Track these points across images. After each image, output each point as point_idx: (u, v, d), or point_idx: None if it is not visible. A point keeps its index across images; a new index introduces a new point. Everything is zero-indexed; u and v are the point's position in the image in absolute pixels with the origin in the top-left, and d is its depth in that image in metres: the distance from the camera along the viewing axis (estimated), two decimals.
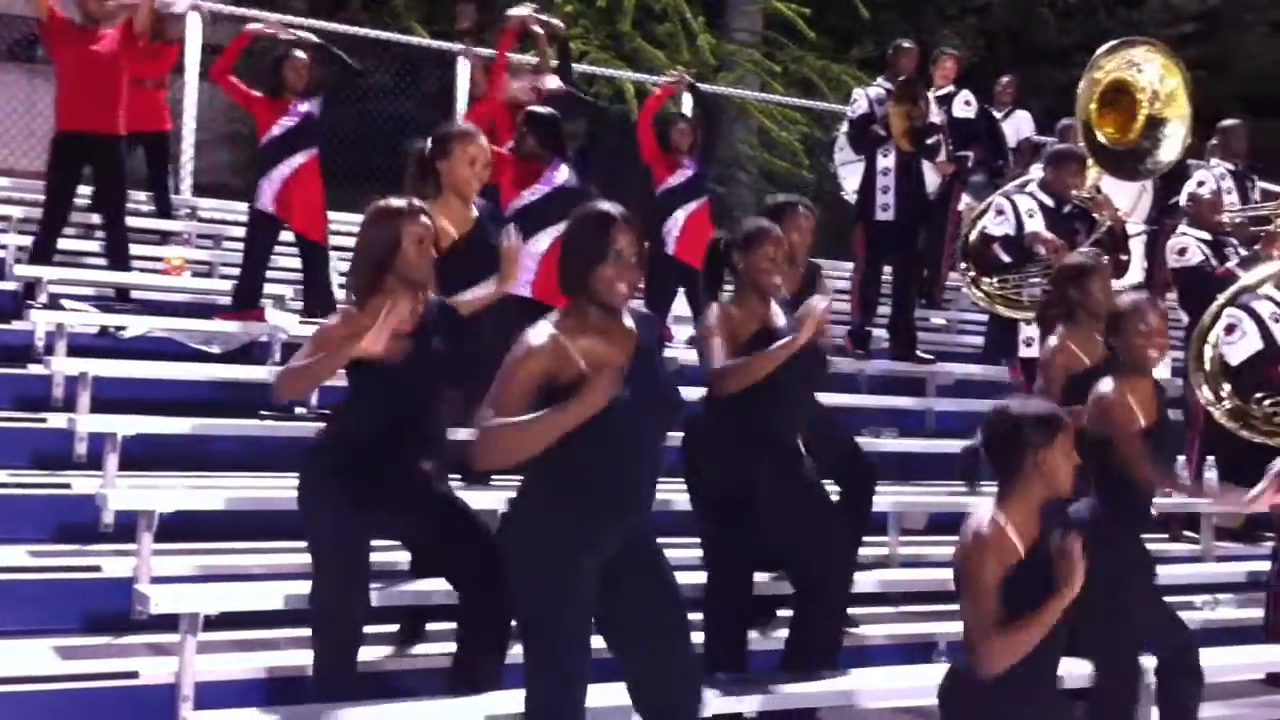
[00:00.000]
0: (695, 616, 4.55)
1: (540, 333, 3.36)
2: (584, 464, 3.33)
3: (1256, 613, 5.87)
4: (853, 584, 4.85)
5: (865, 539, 6.39)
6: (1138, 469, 4.29)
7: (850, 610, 5.64)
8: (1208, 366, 5.94)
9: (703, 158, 8.43)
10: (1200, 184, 8.25)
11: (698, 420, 4.51)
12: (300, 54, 7.52)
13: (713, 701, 4.20)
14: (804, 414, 4.67)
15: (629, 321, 3.48)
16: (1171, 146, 7.48)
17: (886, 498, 6.65)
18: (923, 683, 4.79)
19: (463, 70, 10.28)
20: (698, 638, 4.46)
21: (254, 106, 7.52)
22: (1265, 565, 5.78)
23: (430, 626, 4.82)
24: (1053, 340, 5.10)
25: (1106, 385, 4.45)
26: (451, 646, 4.23)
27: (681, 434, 4.56)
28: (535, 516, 3.44)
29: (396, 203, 4.11)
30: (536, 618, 3.40)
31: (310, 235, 7.57)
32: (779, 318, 4.48)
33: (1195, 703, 4.54)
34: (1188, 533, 7.09)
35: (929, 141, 8.65)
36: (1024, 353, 7.21)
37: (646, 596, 3.52)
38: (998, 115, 10.39)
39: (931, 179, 9.20)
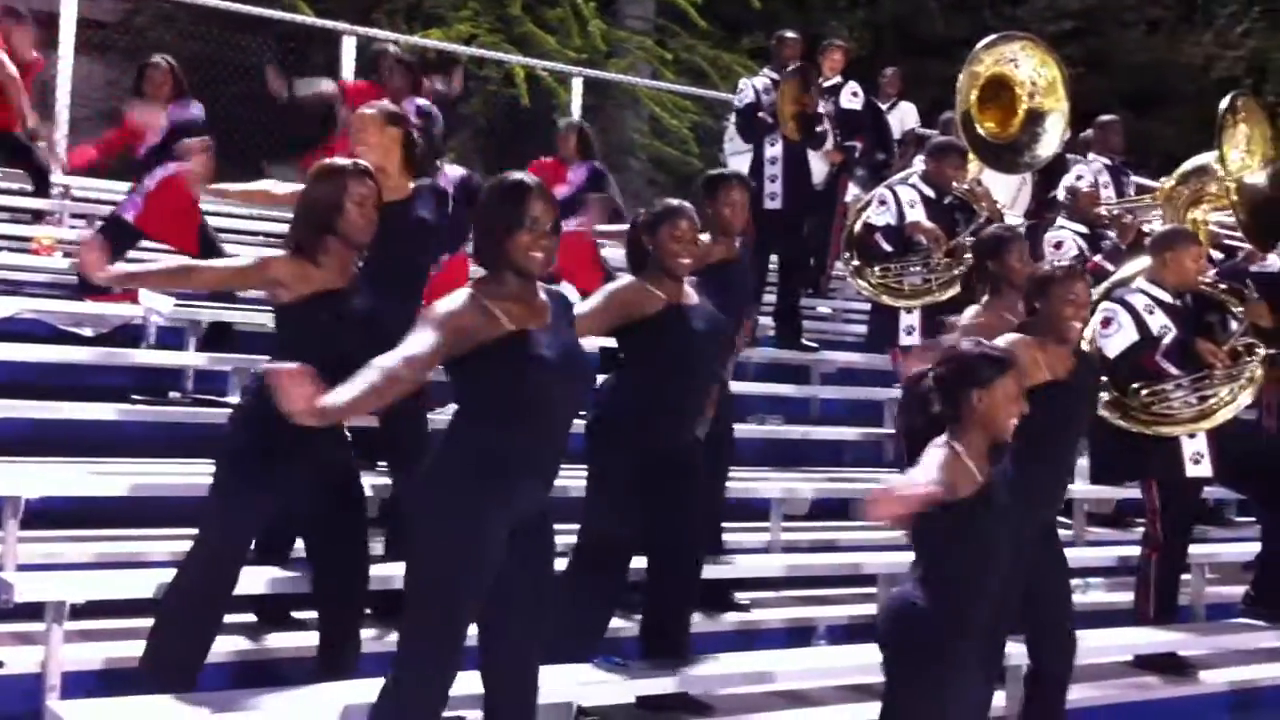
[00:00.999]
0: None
1: (460, 293, 3.42)
2: (499, 433, 3.35)
3: (1126, 596, 6.01)
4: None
5: (748, 525, 6.52)
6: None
7: (737, 595, 5.76)
8: None
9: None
10: (1078, 178, 8.46)
11: (600, 400, 4.58)
12: (159, 60, 7.29)
13: (586, 689, 4.23)
14: (704, 393, 4.70)
15: (542, 295, 3.53)
16: (1050, 141, 7.65)
17: (770, 484, 6.74)
18: (802, 666, 4.89)
19: (348, 48, 10.09)
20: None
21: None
22: (1135, 550, 5.91)
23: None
24: (973, 309, 5.26)
25: (1013, 339, 4.46)
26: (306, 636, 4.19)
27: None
28: (445, 485, 3.40)
29: (342, 162, 4.13)
30: (434, 588, 3.37)
31: (182, 248, 7.26)
32: (690, 296, 4.53)
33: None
34: (1061, 519, 7.24)
35: (817, 130, 8.72)
36: (905, 340, 7.29)
37: (527, 576, 3.50)
38: (883, 107, 10.49)
39: (819, 169, 9.28)
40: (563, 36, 13.74)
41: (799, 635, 5.58)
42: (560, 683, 3.99)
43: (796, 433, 7.83)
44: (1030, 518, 4.28)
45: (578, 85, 11.23)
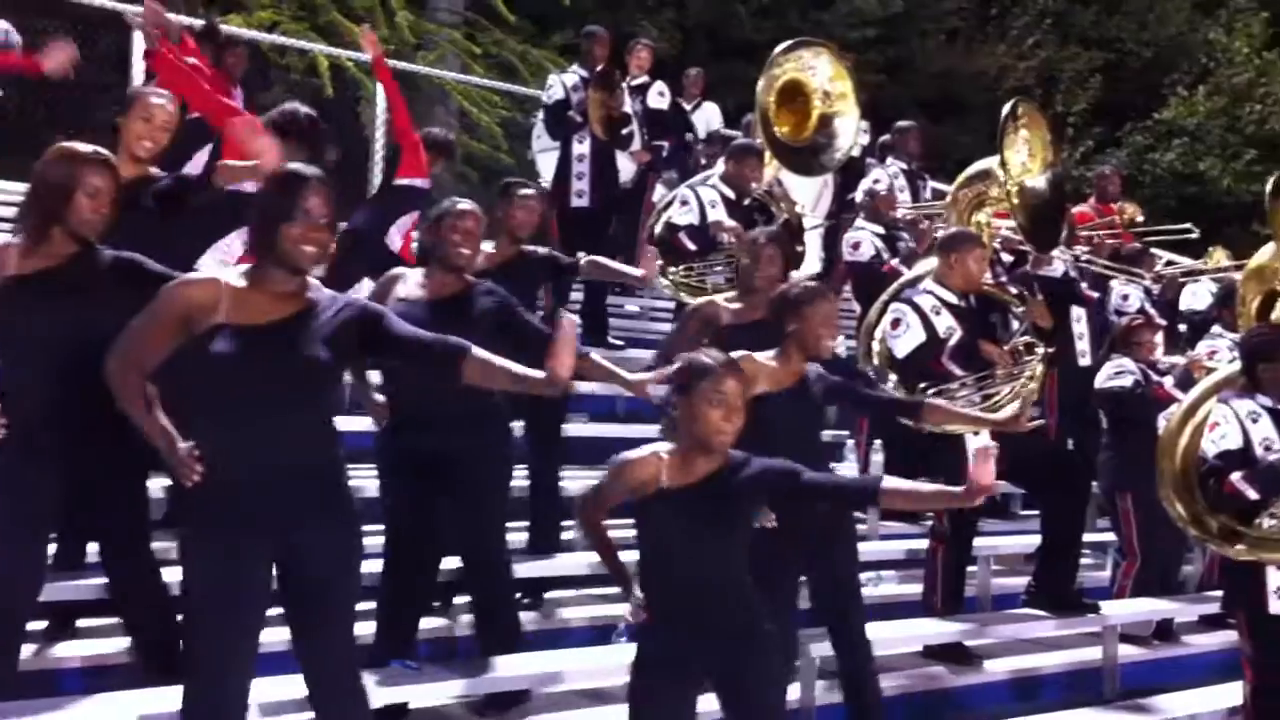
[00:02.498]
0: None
1: (207, 274, 3.36)
2: (214, 440, 3.25)
3: (916, 588, 6.21)
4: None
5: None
6: None
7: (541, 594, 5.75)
8: (876, 360, 6.25)
9: None
10: (876, 181, 8.71)
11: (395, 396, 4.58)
12: None
13: (379, 691, 4.16)
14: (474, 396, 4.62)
15: (316, 294, 3.41)
16: (841, 145, 7.84)
17: (575, 483, 6.73)
18: (606, 664, 4.89)
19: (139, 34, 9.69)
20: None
21: None
22: (924, 543, 6.10)
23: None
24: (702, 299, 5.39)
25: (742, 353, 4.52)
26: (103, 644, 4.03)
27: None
28: (188, 499, 3.31)
29: (81, 148, 3.85)
30: (190, 605, 3.30)
31: None
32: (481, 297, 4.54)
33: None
34: (856, 514, 7.42)
35: (624, 131, 8.75)
36: None
37: (310, 589, 3.39)
38: (687, 108, 10.62)
39: (627, 168, 9.33)
40: (369, 27, 13.44)
41: (602, 633, 5.59)
42: None
43: (602, 431, 7.85)
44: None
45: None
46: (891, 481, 3.79)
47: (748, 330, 5.18)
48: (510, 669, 4.60)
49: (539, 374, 3.35)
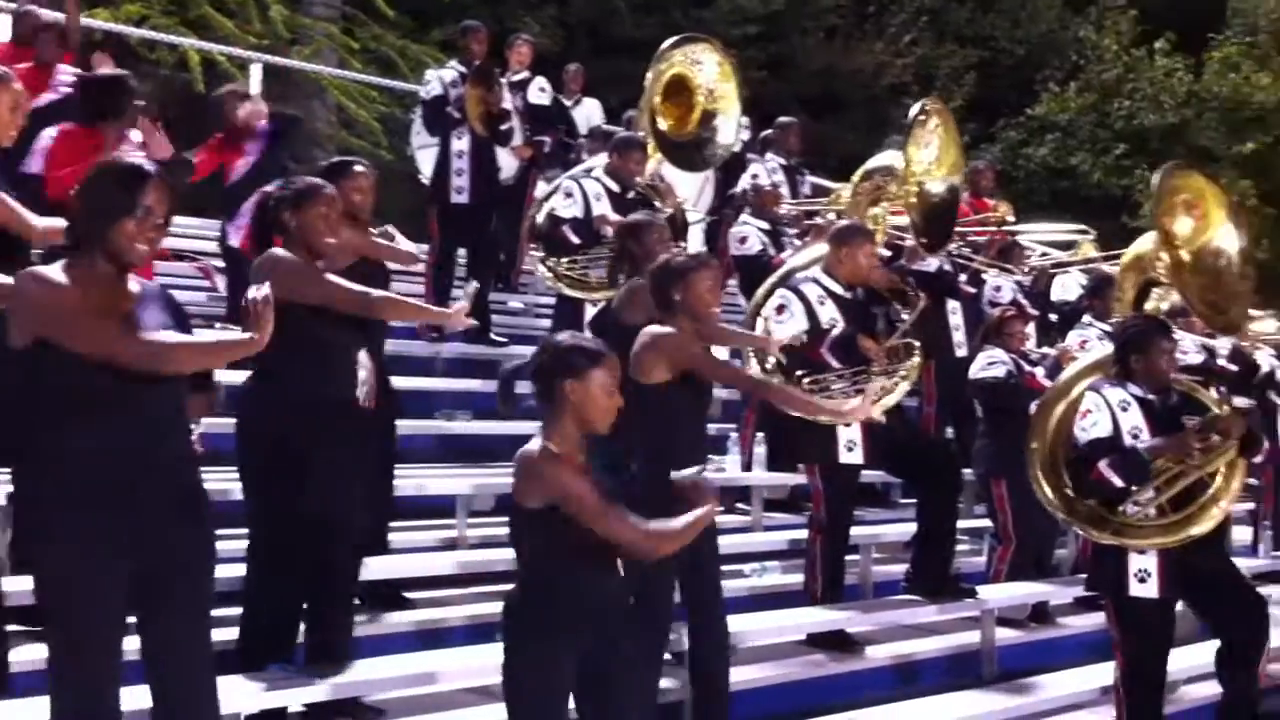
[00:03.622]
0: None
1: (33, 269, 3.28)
2: (71, 436, 3.16)
3: (799, 577, 6.27)
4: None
5: (435, 522, 6.46)
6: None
7: (426, 593, 5.69)
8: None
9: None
10: (755, 176, 8.79)
11: (248, 391, 4.44)
12: None
13: (261, 695, 4.08)
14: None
15: (136, 286, 3.33)
16: (725, 139, 7.89)
17: (458, 480, 6.70)
18: (492, 662, 4.85)
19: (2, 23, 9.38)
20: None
21: None
22: (806, 533, 6.16)
23: None
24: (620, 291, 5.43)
25: (665, 331, 4.60)
26: None
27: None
28: (40, 507, 3.21)
29: None
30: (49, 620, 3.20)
31: None
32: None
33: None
34: (740, 504, 7.49)
35: (503, 128, 8.69)
36: (588, 333, 7.36)
37: (165, 599, 3.29)
38: (568, 103, 10.60)
39: (509, 163, 9.27)
40: (242, 21, 13.22)
41: (483, 632, 5.54)
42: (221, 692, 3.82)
43: (485, 428, 7.81)
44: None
45: (256, 72, 10.81)
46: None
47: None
48: (390, 670, 4.55)
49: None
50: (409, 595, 5.69)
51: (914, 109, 6.65)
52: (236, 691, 4.01)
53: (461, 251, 8.86)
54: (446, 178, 8.48)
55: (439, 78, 8.78)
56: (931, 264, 7.90)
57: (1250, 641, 5.19)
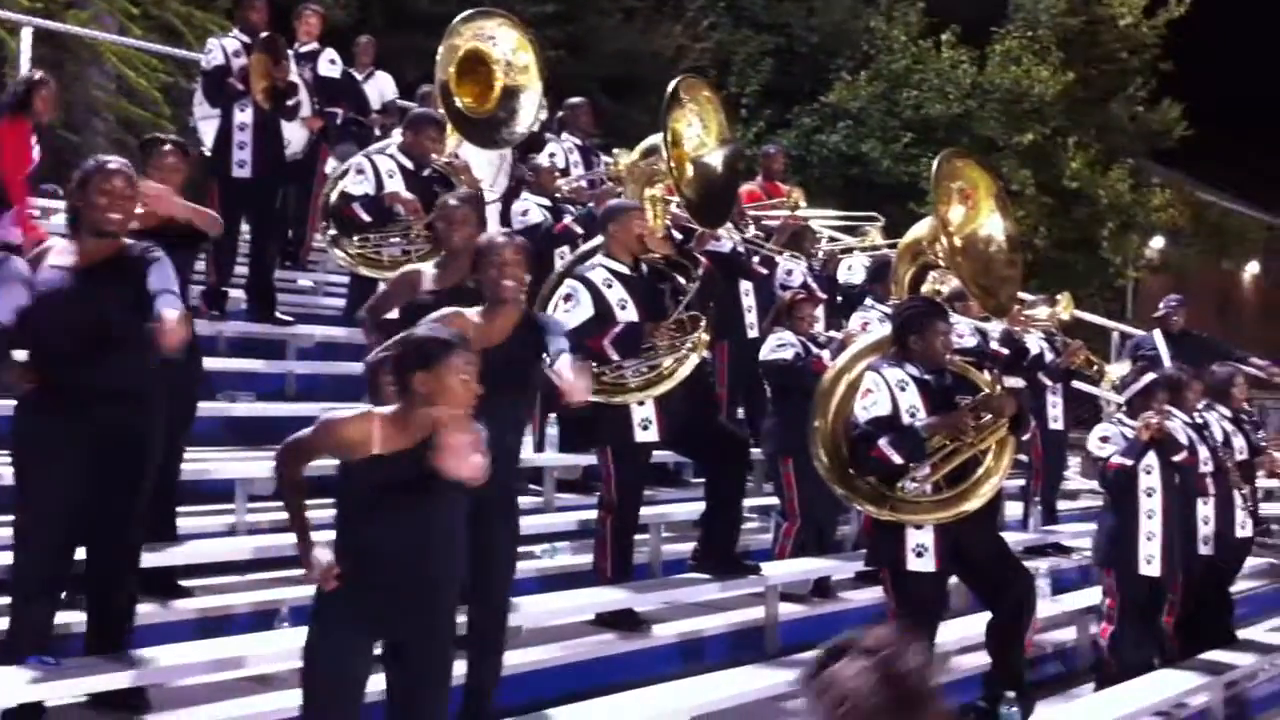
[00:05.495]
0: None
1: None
2: None
3: (589, 558, 6.28)
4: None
5: (213, 507, 6.26)
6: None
7: (200, 581, 5.51)
8: None
9: None
10: (552, 155, 8.77)
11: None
12: None
13: (21, 688, 3.91)
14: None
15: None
16: (524, 118, 7.81)
17: (238, 464, 6.50)
18: (264, 650, 4.73)
19: None
20: None
21: None
22: (595, 513, 6.17)
23: None
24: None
25: (447, 312, 4.55)
26: None
27: None
28: None
29: None
30: None
31: None
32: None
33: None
34: (533, 485, 7.47)
35: (289, 102, 8.42)
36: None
37: None
38: (359, 77, 10.35)
39: (298, 137, 9.02)
40: None
41: (264, 618, 5.40)
42: None
43: (270, 410, 7.60)
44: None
45: (27, 35, 10.26)
46: None
47: (451, 295, 5.11)
48: (171, 658, 4.41)
49: None
50: (185, 584, 5.49)
51: (670, 87, 6.68)
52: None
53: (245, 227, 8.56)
54: (228, 150, 8.18)
55: (221, 46, 8.44)
56: (725, 245, 8.01)
57: (1017, 614, 5.41)
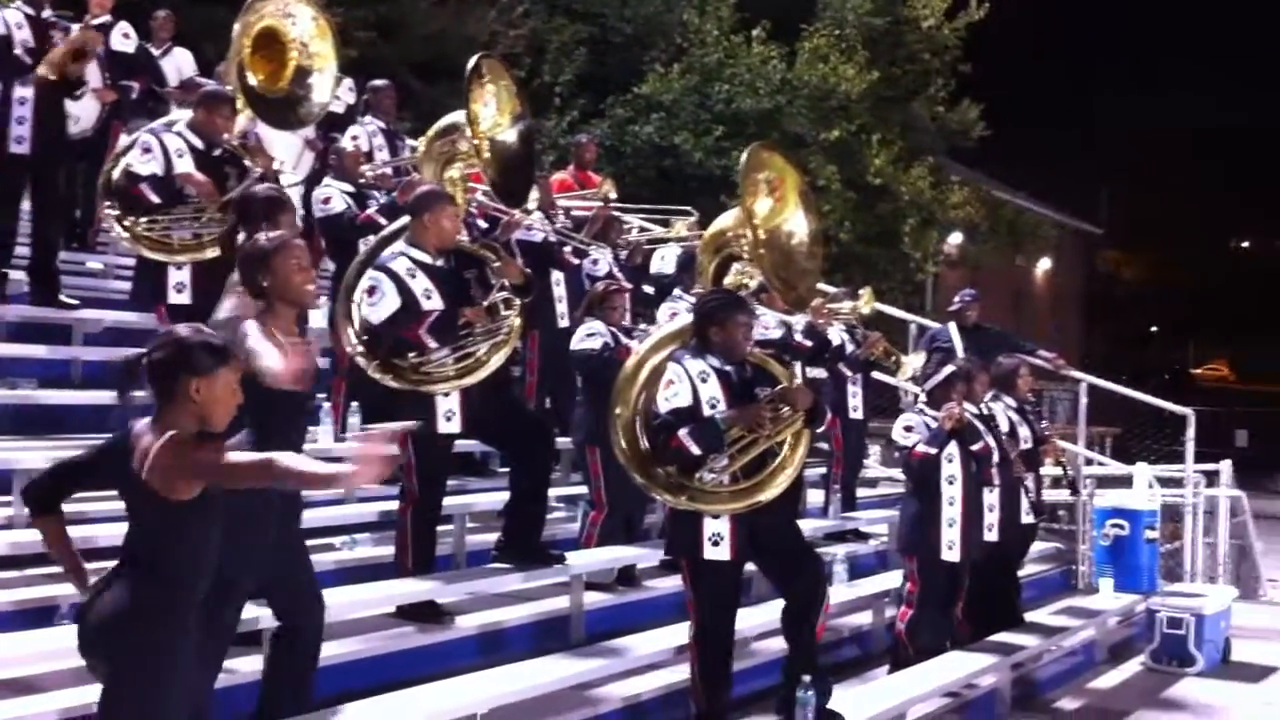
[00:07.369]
0: None
1: None
2: None
3: (389, 550, 6.18)
4: None
5: None
6: None
7: None
8: (355, 324, 6.05)
9: None
10: (355, 139, 8.58)
11: None
12: None
13: None
14: None
15: None
16: (320, 98, 7.58)
17: (16, 454, 6.18)
18: (45, 647, 4.50)
19: None
20: None
21: None
22: (396, 504, 6.06)
23: None
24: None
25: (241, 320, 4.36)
26: None
27: None
28: None
29: None
30: None
31: None
32: None
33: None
34: None
35: (72, 79, 8.02)
36: (174, 299, 6.82)
37: None
38: (156, 52, 9.95)
39: (88, 113, 8.63)
40: None
41: (41, 615, 5.14)
42: None
43: (56, 398, 7.25)
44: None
45: None
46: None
47: None
48: None
49: None
50: None
51: (469, 65, 6.60)
52: None
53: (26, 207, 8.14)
54: (6, 126, 7.75)
55: (4, 18, 7.99)
56: (537, 235, 7.97)
57: (810, 601, 5.51)
